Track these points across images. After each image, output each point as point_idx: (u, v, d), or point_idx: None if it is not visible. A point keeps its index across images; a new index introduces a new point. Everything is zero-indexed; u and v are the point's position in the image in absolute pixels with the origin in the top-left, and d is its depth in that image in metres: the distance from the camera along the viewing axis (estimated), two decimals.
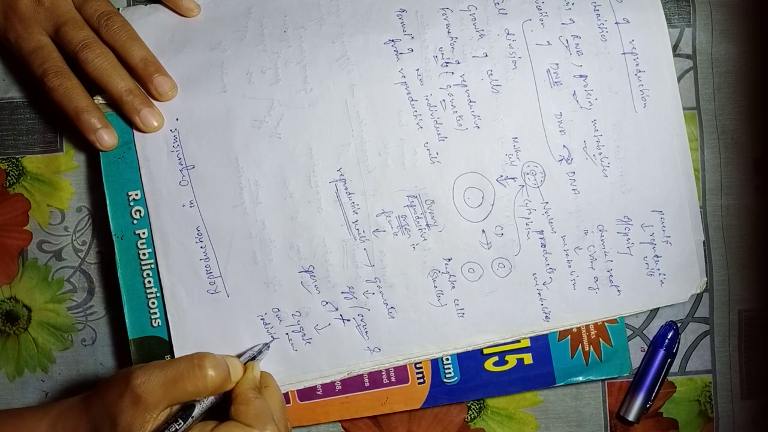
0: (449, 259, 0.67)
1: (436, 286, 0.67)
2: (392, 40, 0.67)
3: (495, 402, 0.71)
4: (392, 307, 0.67)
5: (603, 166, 0.67)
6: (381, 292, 0.67)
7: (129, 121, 0.67)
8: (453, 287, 0.67)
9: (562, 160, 0.67)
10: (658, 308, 0.70)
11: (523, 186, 0.67)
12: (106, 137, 0.66)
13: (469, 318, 0.67)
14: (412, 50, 0.67)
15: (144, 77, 0.66)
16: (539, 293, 0.68)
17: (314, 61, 0.67)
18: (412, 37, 0.67)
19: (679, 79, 0.71)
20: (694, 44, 0.71)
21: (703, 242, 0.70)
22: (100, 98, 0.67)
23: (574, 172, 0.67)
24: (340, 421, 0.71)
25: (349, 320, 0.67)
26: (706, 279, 0.70)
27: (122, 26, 0.66)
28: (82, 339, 0.70)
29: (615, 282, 0.68)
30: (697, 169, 0.71)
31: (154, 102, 0.67)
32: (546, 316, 0.68)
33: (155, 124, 0.67)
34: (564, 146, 0.67)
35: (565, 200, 0.67)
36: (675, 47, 0.71)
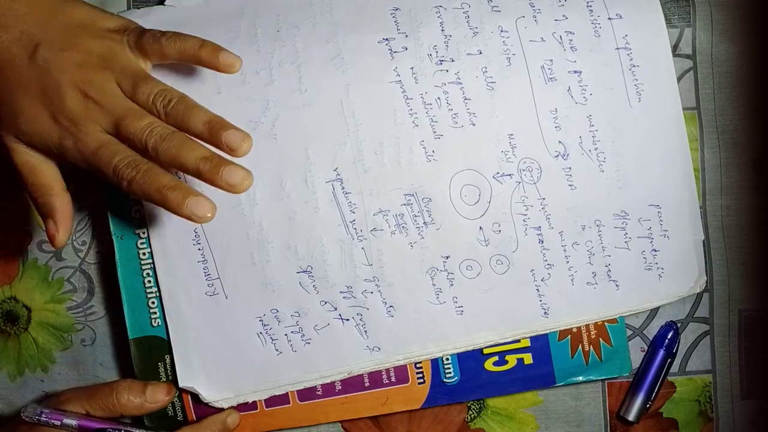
0: (447, 257, 0.67)
1: (434, 284, 0.67)
2: (386, 39, 0.67)
3: (495, 402, 0.71)
4: (391, 306, 0.67)
5: (599, 161, 0.67)
6: (380, 291, 0.67)
7: None
8: (451, 285, 0.67)
9: (558, 155, 0.67)
10: (658, 308, 0.70)
11: (519, 182, 0.67)
12: (199, 208, 0.57)
13: (468, 315, 0.67)
14: (407, 49, 0.67)
15: (213, 141, 0.59)
16: (537, 289, 0.67)
17: (309, 61, 0.67)
18: (406, 36, 0.67)
19: (679, 79, 0.71)
20: (694, 44, 0.71)
21: (703, 242, 0.69)
22: None
23: (570, 168, 0.67)
24: (340, 421, 0.71)
25: (348, 320, 0.68)
26: (705, 278, 0.69)
27: (180, 100, 0.60)
28: (82, 339, 0.70)
29: (613, 277, 0.68)
30: (697, 169, 0.71)
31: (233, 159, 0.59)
32: (545, 312, 0.68)
33: (238, 179, 0.57)
34: (560, 142, 0.67)
35: (562, 196, 0.67)
36: (675, 47, 0.71)
